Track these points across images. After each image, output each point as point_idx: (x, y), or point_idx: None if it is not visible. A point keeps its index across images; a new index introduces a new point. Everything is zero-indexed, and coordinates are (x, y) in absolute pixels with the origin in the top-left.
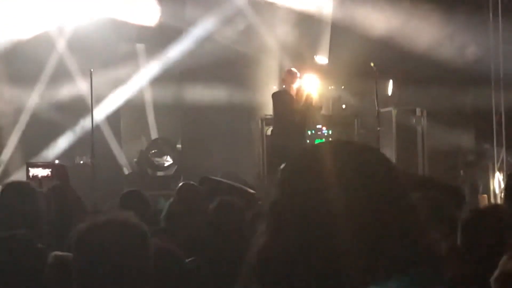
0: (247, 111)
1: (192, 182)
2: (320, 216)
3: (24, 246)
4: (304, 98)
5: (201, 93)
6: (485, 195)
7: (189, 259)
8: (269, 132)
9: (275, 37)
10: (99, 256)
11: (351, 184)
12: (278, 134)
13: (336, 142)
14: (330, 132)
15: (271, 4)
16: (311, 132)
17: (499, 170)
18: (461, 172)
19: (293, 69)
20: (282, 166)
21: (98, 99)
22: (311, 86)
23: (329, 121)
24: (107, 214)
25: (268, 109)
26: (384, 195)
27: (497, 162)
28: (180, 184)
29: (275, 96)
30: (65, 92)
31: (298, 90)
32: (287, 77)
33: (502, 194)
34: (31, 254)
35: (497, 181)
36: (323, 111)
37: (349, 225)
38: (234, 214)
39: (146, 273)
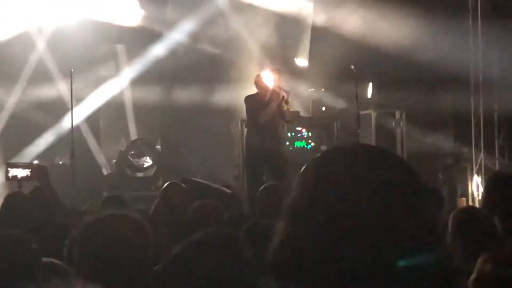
0: (227, 113)
1: (177, 182)
2: (340, 218)
3: (18, 246)
4: (277, 100)
5: (181, 95)
6: (464, 198)
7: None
8: None
9: (255, 39)
10: (103, 249)
11: (373, 190)
12: (251, 137)
13: (360, 146)
14: (310, 134)
15: (252, 6)
16: (291, 134)
17: (478, 173)
18: (440, 175)
19: (266, 72)
20: (305, 166)
21: (77, 99)
22: (286, 88)
23: (309, 123)
24: (109, 210)
25: None
26: (405, 203)
27: (476, 165)
28: (166, 184)
29: (246, 100)
30: (45, 92)
31: (271, 93)
32: (259, 80)
33: (481, 196)
34: (25, 254)
35: (476, 184)
36: (303, 113)
37: (368, 231)
38: (212, 217)
39: (147, 267)
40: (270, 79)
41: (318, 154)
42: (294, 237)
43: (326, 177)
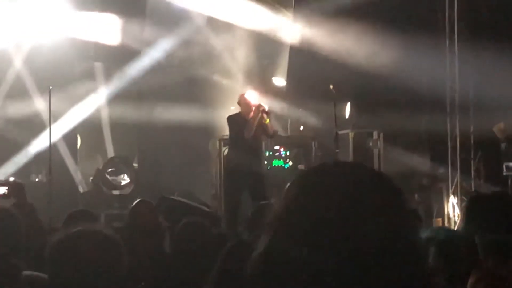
0: (205, 131)
1: (147, 200)
2: (319, 236)
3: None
4: (258, 120)
5: (159, 113)
6: (440, 219)
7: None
8: (226, 152)
9: (233, 58)
10: (74, 265)
11: (355, 208)
12: (232, 157)
13: (348, 164)
14: (287, 153)
15: (230, 25)
16: (269, 153)
17: (454, 194)
18: (416, 195)
19: (249, 92)
20: (291, 181)
21: (55, 116)
22: (267, 109)
23: (287, 143)
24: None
25: (226, 129)
26: (390, 223)
27: (452, 185)
28: (136, 201)
29: (229, 120)
30: (22, 109)
31: (254, 111)
32: (242, 100)
33: (457, 217)
34: (5, 270)
35: (452, 205)
36: (281, 132)
37: (348, 249)
38: (200, 235)
39: (120, 282)
40: (253, 98)
41: (306, 169)
42: (275, 250)
43: (311, 192)
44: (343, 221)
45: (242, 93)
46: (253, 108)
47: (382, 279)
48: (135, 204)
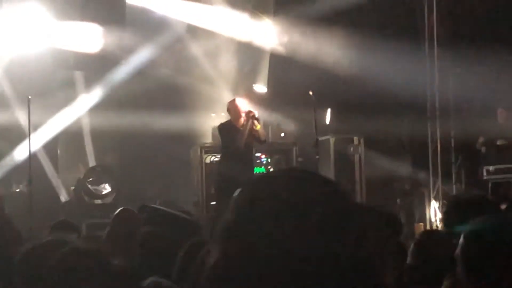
0: (186, 139)
1: (130, 208)
2: (272, 245)
3: None
4: (249, 127)
5: (140, 121)
6: (421, 224)
7: None
8: (208, 160)
9: (214, 65)
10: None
11: (306, 214)
12: (225, 164)
13: (295, 170)
14: (269, 160)
15: (210, 32)
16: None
17: (435, 199)
18: (398, 200)
19: (239, 99)
20: (237, 191)
21: (35, 126)
22: (256, 116)
23: (268, 149)
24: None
25: (207, 137)
26: (340, 226)
27: (433, 190)
28: (118, 210)
29: (220, 128)
30: (1, 118)
31: (245, 120)
32: (232, 107)
33: (438, 222)
34: None
35: (433, 210)
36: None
37: (301, 254)
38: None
39: None
40: (242, 104)
41: (254, 178)
42: (228, 260)
43: (260, 200)
44: (291, 231)
45: (231, 100)
46: (243, 114)
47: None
48: (118, 212)
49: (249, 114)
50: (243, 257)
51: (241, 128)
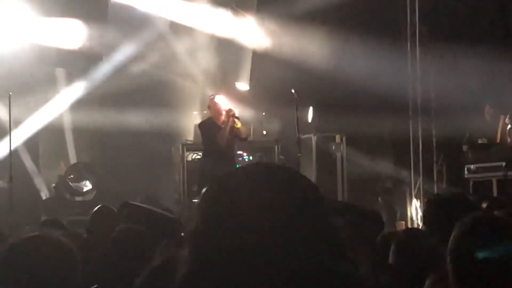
0: (168, 136)
1: (107, 205)
2: (240, 241)
3: None
4: (230, 124)
5: (122, 118)
6: (403, 222)
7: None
8: (189, 158)
9: (196, 62)
10: (25, 271)
11: (273, 208)
12: (207, 162)
13: (258, 165)
14: (250, 158)
15: (192, 30)
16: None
17: (416, 197)
18: (379, 198)
19: (219, 96)
20: (203, 190)
21: (16, 122)
22: (237, 114)
23: (249, 147)
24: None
25: (189, 134)
26: (307, 219)
27: (414, 189)
28: (96, 207)
29: (201, 126)
30: None
31: (225, 118)
32: (212, 104)
33: (420, 220)
34: None
35: (414, 208)
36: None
37: (270, 248)
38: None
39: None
40: (223, 101)
41: (218, 177)
42: (199, 268)
43: (225, 201)
44: (260, 228)
45: (211, 97)
46: (224, 112)
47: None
48: (96, 210)
49: (229, 112)
50: (214, 265)
51: (222, 126)
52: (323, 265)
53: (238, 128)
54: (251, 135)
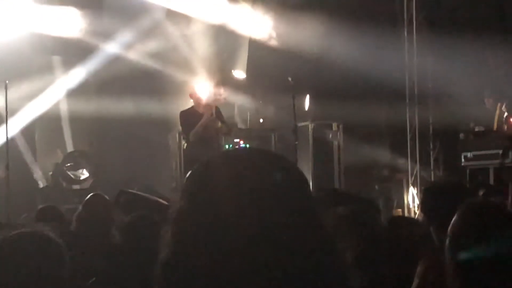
0: (164, 125)
1: (100, 193)
2: (224, 225)
3: None
4: (208, 116)
5: (118, 106)
6: (400, 209)
7: (91, 280)
8: (186, 146)
9: (193, 50)
10: (13, 268)
11: (257, 193)
12: (189, 151)
13: (242, 149)
14: (247, 146)
15: (189, 18)
16: (229, 146)
17: (413, 185)
18: (376, 186)
19: (200, 83)
20: (188, 174)
21: (13, 111)
22: (222, 98)
23: (246, 135)
24: (21, 228)
25: None
26: (291, 202)
27: (411, 176)
28: (89, 195)
29: (181, 115)
30: None
31: (204, 108)
32: (192, 91)
33: (417, 208)
34: None
35: (411, 196)
36: (241, 125)
37: (253, 231)
38: (149, 229)
39: (61, 283)
40: (203, 90)
41: (203, 161)
42: (182, 250)
43: (210, 184)
44: (242, 211)
45: (192, 88)
46: (203, 104)
47: (295, 270)
48: (88, 198)
49: (208, 111)
50: (195, 248)
51: (201, 116)
52: (305, 250)
53: (218, 128)
54: (248, 124)
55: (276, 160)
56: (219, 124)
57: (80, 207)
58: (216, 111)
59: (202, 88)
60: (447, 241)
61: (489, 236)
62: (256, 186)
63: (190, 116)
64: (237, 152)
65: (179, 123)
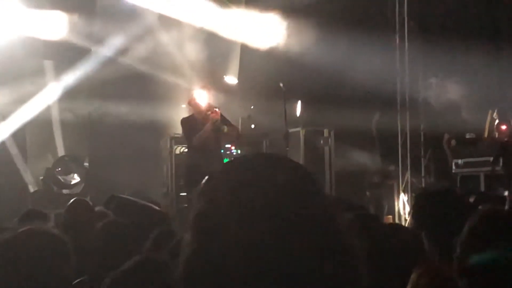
0: (156, 129)
1: (83, 198)
2: (243, 229)
3: None
4: (211, 122)
5: (109, 111)
6: (390, 216)
7: (77, 280)
8: (177, 151)
9: (184, 56)
10: (19, 265)
11: (275, 199)
12: (192, 158)
13: (265, 155)
14: (239, 151)
15: (181, 23)
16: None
17: (404, 191)
18: (367, 193)
19: (198, 93)
20: (206, 179)
21: (4, 115)
22: (219, 116)
23: (238, 141)
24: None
25: (177, 127)
26: (310, 214)
27: (402, 183)
28: (71, 200)
29: (182, 122)
30: None
31: (204, 115)
32: (192, 102)
33: (407, 214)
34: None
35: (402, 202)
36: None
37: (269, 234)
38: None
39: (66, 281)
40: (202, 98)
41: (225, 163)
42: (204, 250)
43: (227, 188)
44: (266, 214)
45: (191, 93)
46: (203, 111)
47: (312, 271)
48: (71, 203)
49: (209, 116)
50: (215, 246)
51: (202, 123)
52: (322, 251)
53: (226, 133)
54: (240, 129)
55: (294, 166)
56: (225, 128)
57: (63, 213)
58: (220, 115)
59: (200, 96)
60: (458, 248)
61: (500, 243)
62: (270, 189)
63: (192, 123)
64: (252, 157)
65: (170, 127)
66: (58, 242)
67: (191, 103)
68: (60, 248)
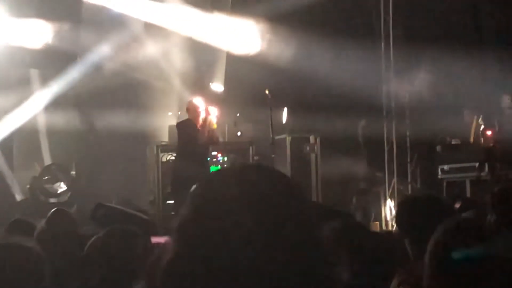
0: (142, 137)
1: (64, 209)
2: (226, 238)
3: None
4: (208, 129)
5: (96, 119)
6: (377, 222)
7: None
8: (164, 159)
9: (171, 63)
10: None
11: (259, 209)
12: (180, 164)
13: (249, 166)
14: (225, 158)
15: (167, 31)
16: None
17: (391, 198)
18: (354, 199)
19: (198, 99)
20: (193, 187)
21: None
22: (214, 117)
23: (224, 148)
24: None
25: (164, 135)
26: (291, 223)
27: (389, 189)
28: (52, 210)
29: (179, 126)
30: None
31: (204, 121)
32: (191, 106)
33: (393, 221)
34: None
35: (389, 208)
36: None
37: (254, 249)
38: (123, 242)
39: None
40: (201, 104)
41: (212, 173)
42: (184, 257)
43: (216, 196)
44: (246, 228)
45: (190, 100)
46: (203, 112)
47: (292, 283)
48: (51, 214)
49: (207, 113)
50: (198, 253)
51: (199, 129)
52: (305, 264)
53: (213, 130)
54: (226, 136)
55: (278, 177)
56: (215, 125)
57: (43, 223)
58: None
59: (199, 101)
60: (428, 253)
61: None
62: (255, 199)
63: (188, 127)
64: (238, 168)
65: (157, 135)
66: (30, 255)
67: (190, 107)
68: (34, 260)
